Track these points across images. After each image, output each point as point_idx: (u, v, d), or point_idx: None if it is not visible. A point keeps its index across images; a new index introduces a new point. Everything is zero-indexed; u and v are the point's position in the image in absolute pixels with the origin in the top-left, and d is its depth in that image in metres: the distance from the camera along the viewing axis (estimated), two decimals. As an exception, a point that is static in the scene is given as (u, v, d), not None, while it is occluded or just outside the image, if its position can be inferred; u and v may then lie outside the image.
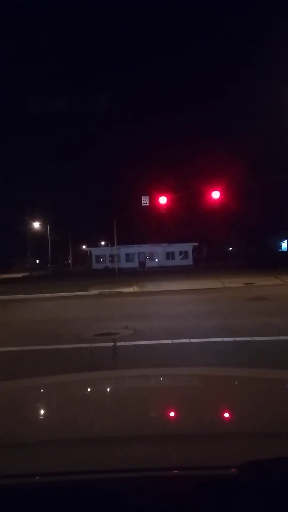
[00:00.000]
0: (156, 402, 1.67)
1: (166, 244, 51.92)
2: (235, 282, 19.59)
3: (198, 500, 0.88)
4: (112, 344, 7.37)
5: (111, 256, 46.53)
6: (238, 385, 1.88)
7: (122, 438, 1.19)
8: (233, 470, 0.88)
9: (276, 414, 1.39)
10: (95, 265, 52.83)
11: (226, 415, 1.51)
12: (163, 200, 21.05)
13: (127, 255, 51.40)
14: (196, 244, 53.00)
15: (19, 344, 7.64)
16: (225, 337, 7.46)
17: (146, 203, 22.16)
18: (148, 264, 50.80)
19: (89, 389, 2.01)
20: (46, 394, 1.90)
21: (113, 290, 18.91)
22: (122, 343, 7.38)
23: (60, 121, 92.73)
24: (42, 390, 1.93)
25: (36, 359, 6.61)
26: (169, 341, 7.36)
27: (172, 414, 1.54)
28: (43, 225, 47.86)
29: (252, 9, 62.64)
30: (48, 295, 17.89)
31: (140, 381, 2.15)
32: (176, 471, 0.97)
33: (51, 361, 6.38)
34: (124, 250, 49.85)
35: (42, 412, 1.65)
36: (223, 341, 7.20)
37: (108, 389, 2.03)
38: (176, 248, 52.40)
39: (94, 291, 18.77)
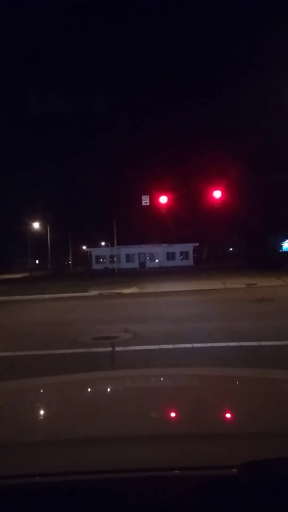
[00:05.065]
0: (156, 402, 1.66)
1: (166, 245, 51.53)
2: (236, 283, 19.26)
3: (199, 500, 0.88)
4: (110, 349, 7.00)
5: (111, 256, 46.17)
6: (238, 385, 1.87)
7: (122, 438, 1.18)
8: (233, 470, 0.87)
9: (276, 414, 1.38)
10: (95, 266, 52.42)
11: (226, 415, 1.50)
12: (163, 199, 20.69)
13: (127, 255, 51.06)
14: (197, 244, 52.61)
15: (13, 349, 7.27)
16: (229, 341, 7.09)
17: (147, 202, 21.82)
18: (149, 264, 50.47)
19: (89, 390, 2.00)
20: (46, 394, 1.89)
21: (113, 291, 18.59)
22: (121, 348, 7.01)
23: (60, 121, 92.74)
24: (42, 390, 1.92)
25: (29, 366, 6.18)
26: (171, 346, 7.00)
27: (172, 414, 1.53)
28: (43, 225, 47.53)
29: (251, 9, 62.48)
30: (47, 296, 17.57)
31: (140, 381, 2.14)
32: (177, 471, 0.96)
33: (44, 368, 5.99)
34: (124, 250, 49.53)
35: (42, 412, 1.64)
36: (228, 346, 6.83)
37: (108, 389, 2.02)
38: (177, 248, 52.02)
39: (94, 292, 18.46)
